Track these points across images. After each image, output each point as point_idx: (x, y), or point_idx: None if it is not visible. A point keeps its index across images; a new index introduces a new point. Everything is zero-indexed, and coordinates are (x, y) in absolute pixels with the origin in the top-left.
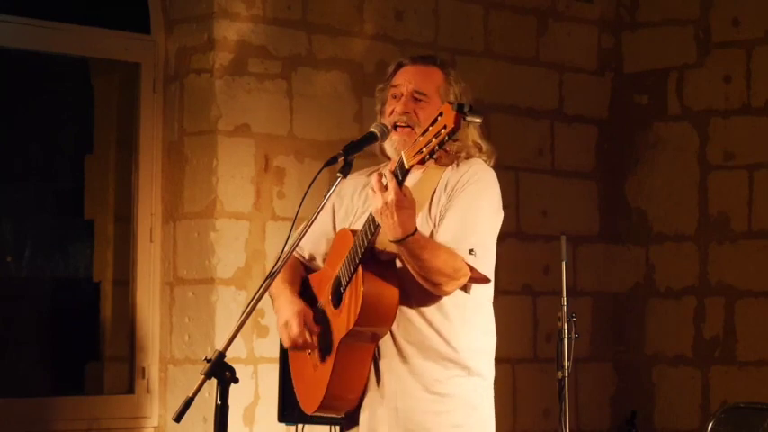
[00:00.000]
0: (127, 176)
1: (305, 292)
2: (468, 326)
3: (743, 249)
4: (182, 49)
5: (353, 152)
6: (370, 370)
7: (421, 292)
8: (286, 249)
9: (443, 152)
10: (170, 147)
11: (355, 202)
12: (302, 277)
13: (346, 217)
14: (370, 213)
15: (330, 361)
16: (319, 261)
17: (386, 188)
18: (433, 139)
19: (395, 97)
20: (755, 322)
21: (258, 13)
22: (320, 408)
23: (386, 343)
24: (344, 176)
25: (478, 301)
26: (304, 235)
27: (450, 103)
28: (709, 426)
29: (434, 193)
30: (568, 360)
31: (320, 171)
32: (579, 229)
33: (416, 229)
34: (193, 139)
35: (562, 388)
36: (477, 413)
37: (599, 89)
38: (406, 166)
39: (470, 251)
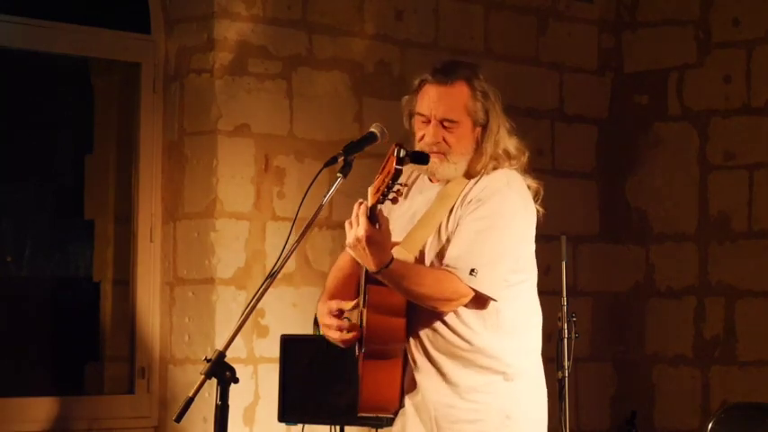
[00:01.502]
0: (127, 176)
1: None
2: (500, 329)
3: (743, 249)
4: (182, 49)
5: (353, 152)
6: (402, 379)
7: None
8: (286, 250)
9: (397, 194)
10: (170, 147)
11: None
12: (356, 279)
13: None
14: None
15: (360, 373)
16: None
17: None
18: (384, 180)
19: (424, 123)
20: (755, 322)
21: (258, 13)
22: (362, 411)
23: (419, 354)
24: (344, 176)
25: (511, 303)
26: (303, 235)
27: (396, 145)
28: (709, 426)
29: (453, 207)
30: (568, 360)
31: (320, 171)
32: (579, 229)
33: (391, 260)
34: (193, 139)
35: (562, 388)
36: (512, 422)
37: (599, 89)
38: (369, 204)
39: (472, 271)
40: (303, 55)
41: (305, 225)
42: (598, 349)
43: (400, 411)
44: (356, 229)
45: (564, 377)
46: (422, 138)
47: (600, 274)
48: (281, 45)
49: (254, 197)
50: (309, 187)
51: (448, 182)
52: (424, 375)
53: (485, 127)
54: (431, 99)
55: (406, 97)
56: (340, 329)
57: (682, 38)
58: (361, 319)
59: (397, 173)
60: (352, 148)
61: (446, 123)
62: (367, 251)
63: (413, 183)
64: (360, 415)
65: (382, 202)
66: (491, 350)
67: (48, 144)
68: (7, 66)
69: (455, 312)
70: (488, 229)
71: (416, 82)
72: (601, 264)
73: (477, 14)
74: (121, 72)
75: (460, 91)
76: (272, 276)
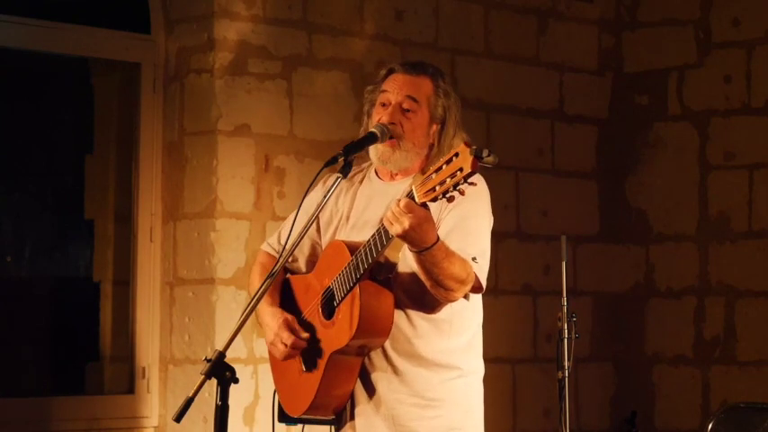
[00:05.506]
0: (127, 176)
1: (286, 295)
2: (458, 329)
3: (743, 249)
4: (182, 49)
5: (353, 152)
6: (357, 378)
7: (412, 301)
8: (286, 250)
9: (458, 192)
10: (170, 147)
11: (340, 205)
12: (282, 282)
13: (331, 220)
14: (375, 233)
15: (318, 372)
16: (301, 263)
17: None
18: (448, 180)
19: (383, 105)
20: (755, 322)
21: (258, 13)
22: (305, 413)
23: (377, 354)
24: (344, 176)
25: (471, 303)
26: (303, 235)
27: (466, 144)
28: (709, 426)
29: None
30: (568, 360)
31: (320, 171)
32: (579, 229)
33: (438, 238)
34: (193, 139)
35: (562, 388)
36: (470, 414)
37: (599, 89)
38: (417, 202)
39: (473, 259)
40: (303, 55)
41: (305, 225)
42: (598, 349)
43: (349, 414)
44: (407, 217)
45: (564, 377)
46: (379, 120)
47: (600, 274)
48: (281, 45)
49: (254, 197)
50: (310, 187)
51: (396, 175)
52: (381, 376)
53: (442, 126)
54: (396, 82)
55: (370, 87)
56: (294, 347)
57: (682, 38)
58: (314, 327)
59: (474, 170)
60: (353, 148)
61: (405, 106)
62: (424, 228)
63: (359, 184)
64: (298, 416)
65: (436, 200)
66: (452, 347)
67: (48, 144)
68: (7, 66)
69: (416, 311)
70: (475, 219)
71: (383, 72)
72: (601, 264)
73: (477, 14)
74: (121, 72)
75: (425, 83)
76: (271, 276)
